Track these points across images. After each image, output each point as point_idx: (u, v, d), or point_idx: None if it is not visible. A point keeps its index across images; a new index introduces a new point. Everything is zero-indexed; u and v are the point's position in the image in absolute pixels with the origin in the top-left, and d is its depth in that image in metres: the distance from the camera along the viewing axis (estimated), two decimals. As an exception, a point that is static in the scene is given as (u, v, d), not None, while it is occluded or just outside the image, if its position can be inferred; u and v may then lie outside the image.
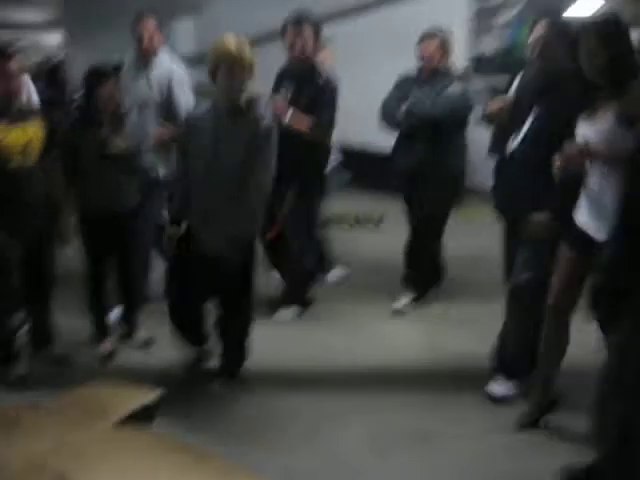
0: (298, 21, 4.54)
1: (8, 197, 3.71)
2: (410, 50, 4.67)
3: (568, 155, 3.01)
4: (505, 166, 3.56)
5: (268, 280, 4.86)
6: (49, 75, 10.31)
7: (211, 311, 3.87)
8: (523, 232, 3.42)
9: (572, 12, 6.06)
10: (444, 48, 4.64)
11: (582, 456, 2.93)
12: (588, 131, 3.03)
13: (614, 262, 2.63)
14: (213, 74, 3.51)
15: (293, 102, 4.46)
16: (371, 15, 8.23)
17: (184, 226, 3.67)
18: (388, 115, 4.67)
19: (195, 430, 3.01)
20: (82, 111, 4.14)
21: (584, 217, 3.11)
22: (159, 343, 4.18)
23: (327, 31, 5.04)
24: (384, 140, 4.92)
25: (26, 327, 4.14)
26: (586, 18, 3.29)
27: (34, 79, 4.90)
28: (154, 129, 4.48)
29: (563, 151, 3.02)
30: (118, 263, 4.19)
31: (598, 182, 3.02)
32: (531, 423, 3.36)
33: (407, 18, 6.91)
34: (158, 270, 4.44)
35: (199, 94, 4.59)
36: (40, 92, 4.80)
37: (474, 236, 5.83)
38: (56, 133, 3.90)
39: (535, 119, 3.37)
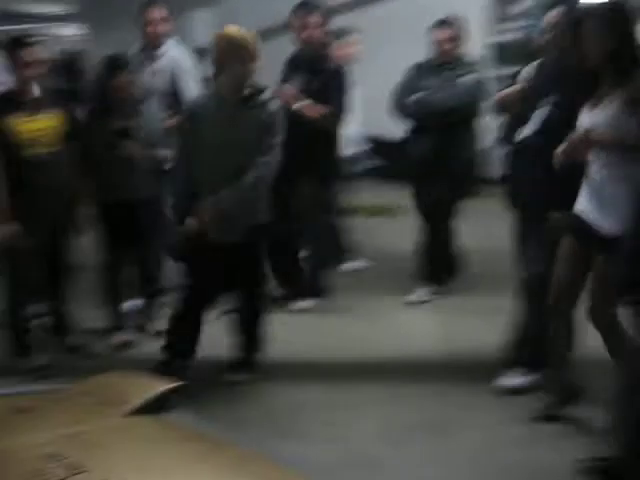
0: (305, 6, 4.52)
1: (25, 186, 3.74)
2: (427, 39, 4.64)
3: (571, 143, 2.98)
4: (519, 155, 3.52)
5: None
6: (67, 66, 10.38)
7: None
8: (541, 229, 3.37)
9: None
10: (458, 36, 4.60)
11: (599, 449, 2.90)
12: (592, 119, 2.99)
13: (634, 254, 2.61)
14: (220, 63, 3.50)
15: (304, 89, 4.45)
16: (388, 4, 8.20)
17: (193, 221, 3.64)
18: (399, 104, 4.64)
19: (210, 419, 3.02)
20: (97, 101, 4.15)
21: (585, 207, 3.07)
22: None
23: (344, 21, 5.04)
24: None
25: (44, 317, 4.17)
26: (592, 4, 3.24)
27: (52, 70, 4.92)
28: (158, 119, 4.46)
29: (566, 140, 2.99)
30: (134, 253, 4.21)
31: (599, 172, 2.98)
32: (549, 415, 3.34)
33: (424, 6, 6.86)
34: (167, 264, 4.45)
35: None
36: (58, 83, 4.83)
37: (490, 227, 5.79)
38: (73, 123, 3.93)
39: (552, 107, 3.33)
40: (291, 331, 4.27)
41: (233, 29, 3.56)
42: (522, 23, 7.52)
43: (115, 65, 4.01)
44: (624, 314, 2.88)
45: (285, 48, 4.74)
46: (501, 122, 3.73)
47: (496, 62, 7.30)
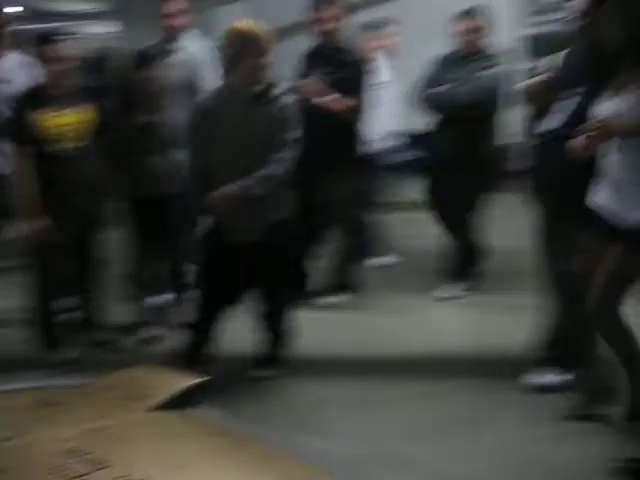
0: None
1: (53, 181, 3.77)
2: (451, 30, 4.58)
3: (591, 133, 2.90)
4: (545, 148, 3.45)
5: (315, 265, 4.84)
6: (98, 64, 10.44)
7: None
8: (570, 224, 3.30)
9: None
10: (482, 27, 4.52)
11: (630, 449, 2.85)
12: (612, 107, 2.92)
13: None
14: (232, 58, 3.45)
15: (325, 82, 4.41)
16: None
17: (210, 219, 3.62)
18: (423, 97, 4.58)
19: (236, 414, 2.98)
20: (124, 95, 4.16)
21: (605, 201, 3.01)
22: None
23: (382, 13, 5.01)
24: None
25: (72, 311, 4.19)
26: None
27: (83, 68, 4.93)
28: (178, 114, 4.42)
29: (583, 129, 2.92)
30: (162, 248, 4.22)
31: (619, 162, 2.92)
32: (579, 414, 3.28)
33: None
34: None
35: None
36: (89, 80, 4.83)
37: (515, 222, 5.71)
38: (101, 118, 3.94)
39: (581, 98, 3.26)
40: (319, 327, 4.25)
41: (245, 23, 3.50)
42: (557, 15, 7.38)
43: (141, 60, 4.02)
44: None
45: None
46: (526, 114, 3.65)
47: (531, 55, 7.20)
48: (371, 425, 3.34)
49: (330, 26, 4.46)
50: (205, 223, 3.66)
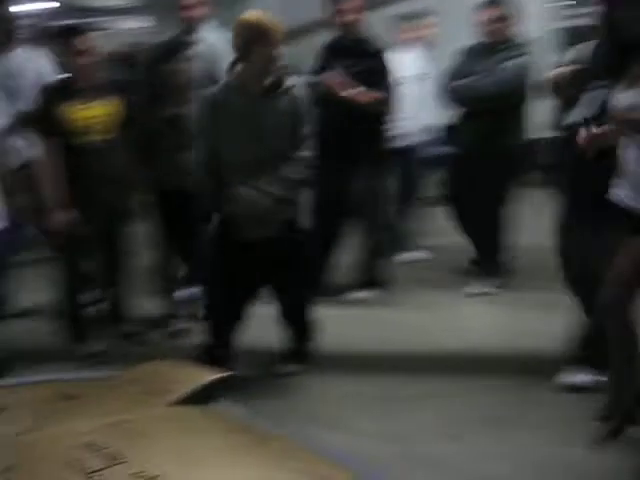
0: None
1: (81, 173, 3.77)
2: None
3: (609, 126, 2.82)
4: (572, 140, 3.32)
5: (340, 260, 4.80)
6: (130, 59, 10.49)
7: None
8: (597, 218, 3.20)
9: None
10: (507, 16, 4.41)
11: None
12: (628, 99, 2.84)
13: None
14: (241, 50, 3.37)
15: (348, 75, 4.34)
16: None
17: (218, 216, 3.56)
18: (446, 89, 4.50)
19: (259, 410, 2.96)
20: (150, 88, 4.15)
21: (623, 193, 2.93)
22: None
23: (422, 4, 4.96)
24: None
25: (100, 304, 4.20)
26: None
27: (116, 62, 4.94)
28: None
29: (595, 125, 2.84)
30: (189, 241, 4.20)
31: (635, 156, 2.83)
32: (608, 416, 3.19)
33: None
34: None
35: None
36: (121, 75, 4.81)
37: (550, 218, 5.60)
38: (129, 110, 3.94)
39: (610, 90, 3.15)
40: (346, 322, 4.21)
41: (254, 14, 3.42)
42: (587, 6, 7.24)
43: (167, 52, 4.00)
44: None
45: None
46: (554, 106, 3.56)
47: (562, 46, 7.04)
48: (398, 422, 3.30)
49: (351, 17, 4.39)
50: (215, 220, 3.60)
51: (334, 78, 4.34)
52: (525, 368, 3.70)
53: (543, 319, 4.12)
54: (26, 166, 4.08)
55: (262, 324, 3.80)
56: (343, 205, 4.54)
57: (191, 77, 4.08)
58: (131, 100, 3.99)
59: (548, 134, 3.69)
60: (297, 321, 3.76)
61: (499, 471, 2.93)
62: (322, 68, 4.46)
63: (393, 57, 4.96)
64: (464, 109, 4.54)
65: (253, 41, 3.33)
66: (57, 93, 3.78)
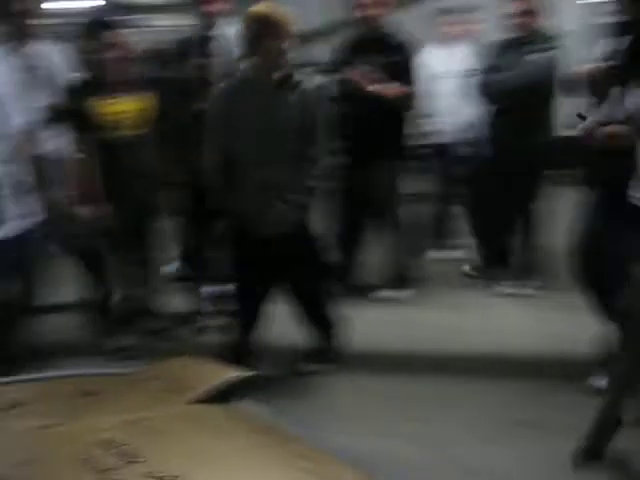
0: None
1: (112, 168, 3.77)
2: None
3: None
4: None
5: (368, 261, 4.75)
6: (165, 55, 10.54)
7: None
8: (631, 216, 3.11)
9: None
10: (535, 9, 4.31)
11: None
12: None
13: None
14: (251, 43, 3.30)
15: (373, 69, 4.27)
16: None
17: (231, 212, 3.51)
18: (475, 86, 4.42)
19: (282, 410, 2.93)
20: (183, 83, 4.14)
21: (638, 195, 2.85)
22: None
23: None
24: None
25: (128, 299, 4.20)
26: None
27: (151, 58, 4.93)
28: None
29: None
30: (218, 237, 4.18)
31: None
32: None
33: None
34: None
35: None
36: (153, 70, 4.81)
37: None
38: (161, 106, 3.93)
39: None
40: (376, 322, 4.16)
41: (265, 6, 3.33)
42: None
43: (193, 47, 3.99)
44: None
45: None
46: (586, 102, 3.46)
47: (596, 40, 6.88)
48: (428, 426, 3.24)
49: (373, 11, 4.33)
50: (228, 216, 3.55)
51: (360, 73, 4.27)
52: (556, 370, 3.62)
53: (575, 321, 4.02)
54: (58, 161, 4.09)
55: (287, 322, 3.77)
56: (367, 202, 4.48)
57: (214, 72, 4.06)
58: (163, 95, 3.98)
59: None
60: (317, 320, 3.71)
61: (531, 476, 2.87)
62: (343, 64, 4.39)
63: (435, 53, 4.91)
64: (493, 105, 4.45)
65: (263, 34, 3.25)
66: (87, 88, 3.77)
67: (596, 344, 3.46)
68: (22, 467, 1.57)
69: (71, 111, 3.84)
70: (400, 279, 4.65)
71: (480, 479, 2.87)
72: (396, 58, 4.29)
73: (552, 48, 4.28)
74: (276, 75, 3.33)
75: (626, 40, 3.17)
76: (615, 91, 3.07)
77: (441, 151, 5.07)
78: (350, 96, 4.16)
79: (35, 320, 4.01)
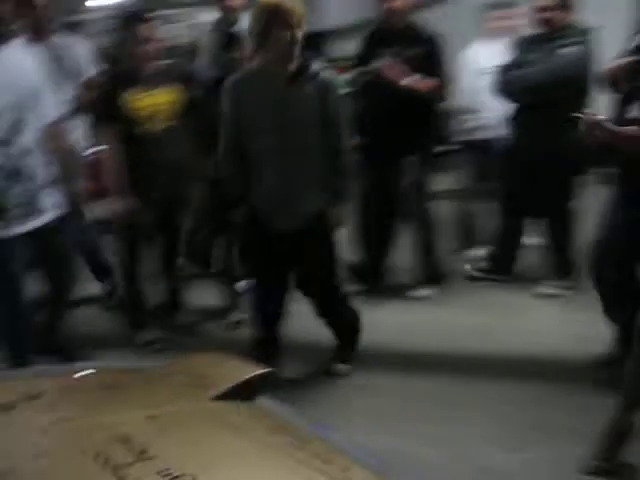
0: None
1: (142, 161, 3.77)
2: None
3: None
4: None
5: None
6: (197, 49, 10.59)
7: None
8: None
9: None
10: (563, 3, 4.18)
11: None
12: None
13: None
14: (262, 34, 3.19)
15: (401, 61, 4.20)
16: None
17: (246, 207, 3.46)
18: (499, 81, 4.31)
19: (302, 410, 2.90)
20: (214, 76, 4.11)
21: None
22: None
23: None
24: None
25: (158, 292, 4.20)
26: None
27: (184, 52, 4.94)
28: None
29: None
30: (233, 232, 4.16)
31: None
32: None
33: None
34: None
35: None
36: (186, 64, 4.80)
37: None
38: (192, 99, 3.91)
39: None
40: (408, 322, 4.10)
41: None
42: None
43: (229, 41, 3.96)
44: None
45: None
46: (613, 99, 3.35)
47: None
48: (454, 428, 3.18)
49: (397, 3, 4.25)
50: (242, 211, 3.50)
51: (390, 66, 4.19)
52: (593, 374, 3.53)
53: (604, 322, 3.94)
54: (88, 153, 4.11)
55: (312, 320, 3.72)
56: (393, 199, 4.42)
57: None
58: (194, 88, 3.96)
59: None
60: (334, 319, 3.64)
61: (548, 477, 2.81)
62: (368, 56, 4.31)
63: (480, 48, 4.82)
64: (518, 102, 4.34)
65: (271, 24, 3.15)
66: (119, 81, 3.77)
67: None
68: (36, 460, 1.55)
69: (101, 103, 3.84)
70: (430, 278, 4.58)
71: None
72: (422, 51, 4.21)
73: (581, 43, 4.15)
74: (290, 66, 3.25)
75: None
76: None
77: (484, 147, 4.97)
78: (376, 88, 4.10)
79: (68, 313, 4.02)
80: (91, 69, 4.18)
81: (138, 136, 3.74)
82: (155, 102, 3.74)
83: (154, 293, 4.15)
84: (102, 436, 1.62)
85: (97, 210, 4.34)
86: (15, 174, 3.21)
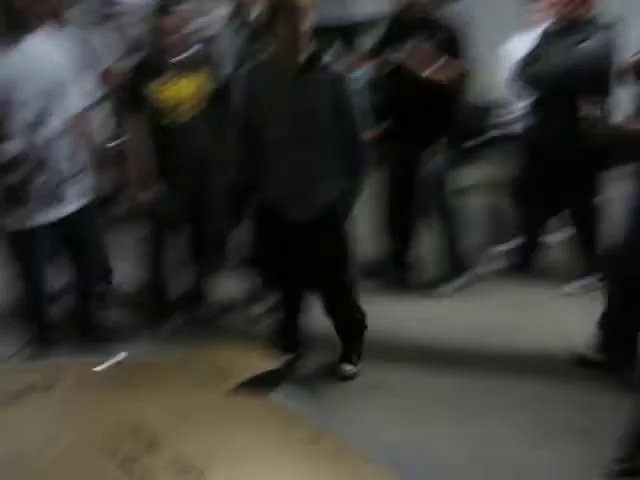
0: None
1: (168, 151, 3.76)
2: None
3: None
4: None
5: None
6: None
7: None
8: None
9: None
10: None
11: None
12: None
13: None
14: (269, 26, 3.16)
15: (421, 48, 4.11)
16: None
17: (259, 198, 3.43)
18: (517, 74, 4.22)
19: (317, 404, 2.88)
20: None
21: None
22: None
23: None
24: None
25: (184, 283, 4.20)
26: None
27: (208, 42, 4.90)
28: None
29: None
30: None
31: None
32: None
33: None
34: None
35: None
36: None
37: None
38: (218, 89, 3.89)
39: None
40: (431, 319, 4.05)
41: None
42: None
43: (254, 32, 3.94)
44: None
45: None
46: (633, 93, 3.26)
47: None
48: (474, 426, 3.14)
49: None
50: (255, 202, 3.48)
51: (408, 53, 4.11)
52: (618, 375, 3.45)
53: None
54: (115, 142, 4.12)
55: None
56: (413, 191, 4.36)
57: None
58: (219, 79, 3.94)
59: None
60: (343, 317, 3.59)
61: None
62: (386, 44, 4.24)
63: (520, 40, 4.73)
64: (537, 95, 4.25)
65: (277, 15, 3.13)
66: (145, 71, 3.76)
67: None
68: (47, 452, 1.55)
69: (128, 93, 3.84)
70: (453, 273, 4.52)
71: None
72: (443, 39, 4.14)
73: (602, 36, 4.05)
74: (299, 57, 3.21)
75: None
76: None
77: (518, 138, 4.88)
78: (396, 77, 4.05)
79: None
80: (108, 60, 4.18)
81: (164, 126, 3.73)
82: (180, 92, 3.73)
83: (178, 283, 4.16)
84: (114, 427, 1.63)
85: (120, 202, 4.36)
86: (39, 164, 3.23)
